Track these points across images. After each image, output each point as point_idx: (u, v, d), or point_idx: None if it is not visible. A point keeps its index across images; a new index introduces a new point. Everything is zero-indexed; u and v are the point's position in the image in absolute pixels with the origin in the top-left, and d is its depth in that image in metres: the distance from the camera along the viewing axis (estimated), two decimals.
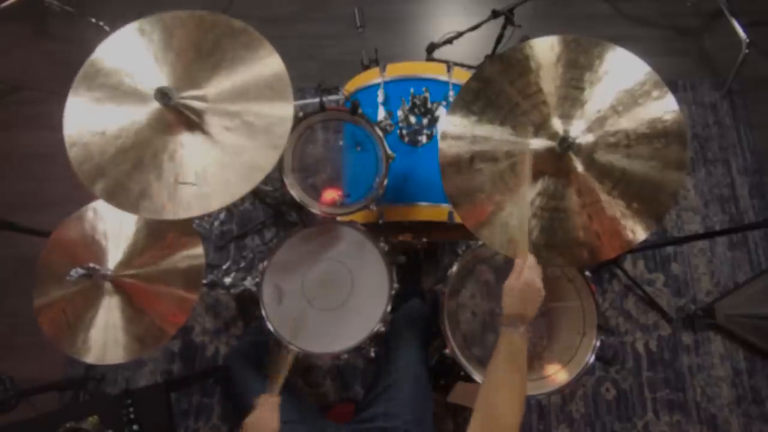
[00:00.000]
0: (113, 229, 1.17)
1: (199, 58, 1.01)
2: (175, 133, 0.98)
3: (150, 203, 0.96)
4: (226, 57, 1.01)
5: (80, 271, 1.00)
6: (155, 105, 0.96)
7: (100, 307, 1.11)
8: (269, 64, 1.02)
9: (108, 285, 1.11)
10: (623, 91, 0.94)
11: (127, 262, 1.14)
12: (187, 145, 0.98)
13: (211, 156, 0.98)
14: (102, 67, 1.02)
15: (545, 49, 0.98)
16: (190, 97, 0.98)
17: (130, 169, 0.97)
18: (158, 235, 1.16)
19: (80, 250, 1.15)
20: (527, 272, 0.87)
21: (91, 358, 1.09)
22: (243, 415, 0.96)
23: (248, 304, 1.82)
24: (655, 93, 0.93)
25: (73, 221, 1.19)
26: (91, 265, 1.04)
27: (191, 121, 0.98)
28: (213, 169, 0.97)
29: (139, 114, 0.99)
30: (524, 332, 0.84)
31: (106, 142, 0.98)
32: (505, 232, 0.96)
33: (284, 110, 0.99)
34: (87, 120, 0.99)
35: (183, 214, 0.95)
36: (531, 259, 0.89)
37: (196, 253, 1.15)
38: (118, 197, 0.96)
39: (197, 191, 0.96)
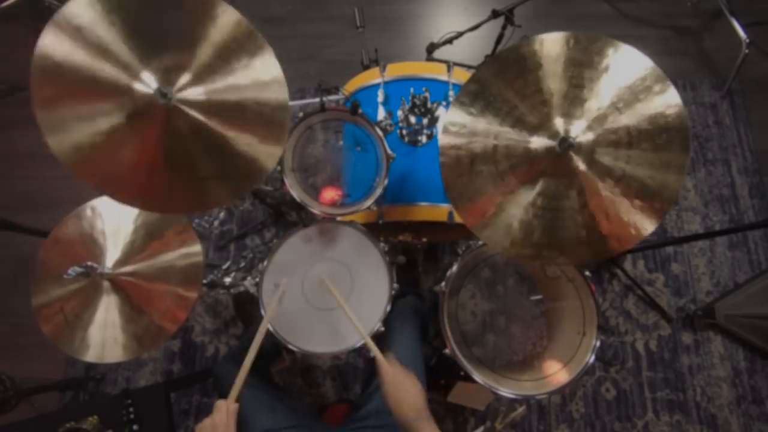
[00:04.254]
0: (111, 227, 1.17)
1: (170, 42, 0.92)
2: (175, 128, 0.97)
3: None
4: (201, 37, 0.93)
5: (78, 269, 1.00)
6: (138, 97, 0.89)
7: (99, 306, 1.11)
8: (228, 18, 0.94)
9: (106, 283, 1.11)
10: (624, 87, 0.93)
11: (125, 260, 1.14)
12: (192, 139, 0.96)
13: (219, 145, 0.96)
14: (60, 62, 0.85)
15: (543, 47, 0.97)
16: (183, 87, 0.93)
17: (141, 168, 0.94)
18: (156, 234, 1.16)
19: (78, 249, 1.15)
20: (390, 374, 0.92)
21: (89, 357, 1.09)
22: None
23: (245, 306, 1.82)
24: (656, 87, 0.92)
25: (71, 219, 1.19)
26: (89, 263, 1.04)
27: (191, 117, 0.97)
28: (226, 158, 0.96)
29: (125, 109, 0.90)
30: (430, 421, 0.88)
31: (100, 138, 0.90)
32: (506, 233, 0.96)
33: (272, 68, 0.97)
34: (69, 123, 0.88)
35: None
36: (380, 361, 0.94)
37: (194, 251, 1.15)
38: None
39: (219, 182, 0.96)
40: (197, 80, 0.93)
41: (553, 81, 0.95)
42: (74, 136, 0.87)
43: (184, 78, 0.92)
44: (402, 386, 0.91)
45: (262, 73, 0.96)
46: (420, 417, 0.88)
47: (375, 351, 0.97)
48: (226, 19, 0.94)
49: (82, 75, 0.87)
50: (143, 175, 0.93)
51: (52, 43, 0.85)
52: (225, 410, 0.92)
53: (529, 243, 0.96)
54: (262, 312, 1.19)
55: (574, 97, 0.94)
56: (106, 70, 0.88)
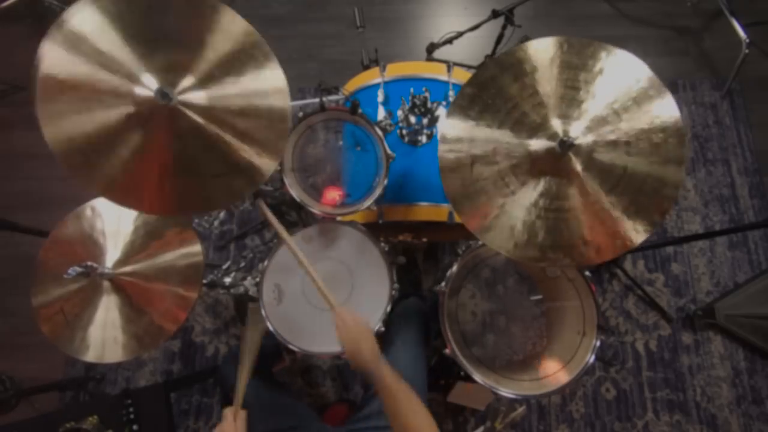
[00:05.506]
0: (111, 227, 1.17)
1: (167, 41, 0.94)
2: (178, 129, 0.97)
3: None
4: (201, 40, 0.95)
5: (77, 269, 1.00)
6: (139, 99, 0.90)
7: (99, 306, 1.11)
8: (236, 27, 0.96)
9: (106, 283, 1.11)
10: (620, 89, 0.94)
11: (125, 260, 1.13)
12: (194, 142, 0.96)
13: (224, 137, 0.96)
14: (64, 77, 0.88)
15: (538, 51, 0.98)
16: (185, 89, 0.93)
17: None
18: (156, 234, 1.16)
19: (78, 249, 1.15)
20: (348, 321, 0.95)
21: (89, 357, 1.09)
22: None
23: (246, 306, 1.82)
24: (651, 91, 0.93)
25: (71, 219, 1.19)
26: (89, 263, 1.04)
27: (192, 120, 0.97)
28: (226, 162, 0.95)
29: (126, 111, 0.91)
30: (388, 364, 0.91)
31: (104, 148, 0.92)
32: (510, 235, 0.96)
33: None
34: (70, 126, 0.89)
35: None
36: (337, 308, 0.98)
37: (194, 251, 1.15)
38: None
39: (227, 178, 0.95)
40: (201, 85, 0.93)
41: (550, 84, 0.96)
42: (77, 141, 0.87)
43: (187, 81, 0.92)
44: (361, 333, 0.94)
45: (265, 83, 0.96)
46: (379, 360, 0.91)
47: (330, 299, 1.00)
48: (235, 28, 0.95)
49: (85, 82, 0.87)
50: (153, 179, 0.93)
51: (53, 54, 0.86)
52: (232, 418, 0.93)
53: (533, 245, 0.96)
54: (263, 312, 1.19)
55: (571, 99, 0.95)
56: (109, 76, 0.88)
